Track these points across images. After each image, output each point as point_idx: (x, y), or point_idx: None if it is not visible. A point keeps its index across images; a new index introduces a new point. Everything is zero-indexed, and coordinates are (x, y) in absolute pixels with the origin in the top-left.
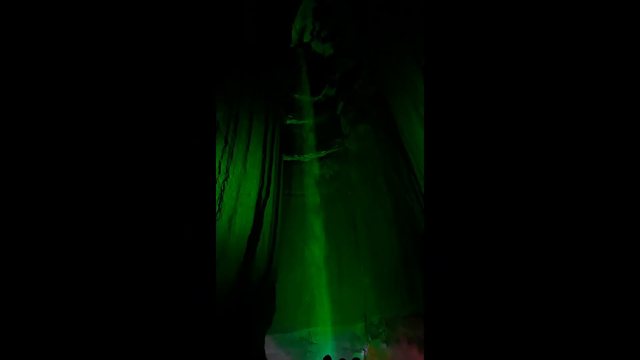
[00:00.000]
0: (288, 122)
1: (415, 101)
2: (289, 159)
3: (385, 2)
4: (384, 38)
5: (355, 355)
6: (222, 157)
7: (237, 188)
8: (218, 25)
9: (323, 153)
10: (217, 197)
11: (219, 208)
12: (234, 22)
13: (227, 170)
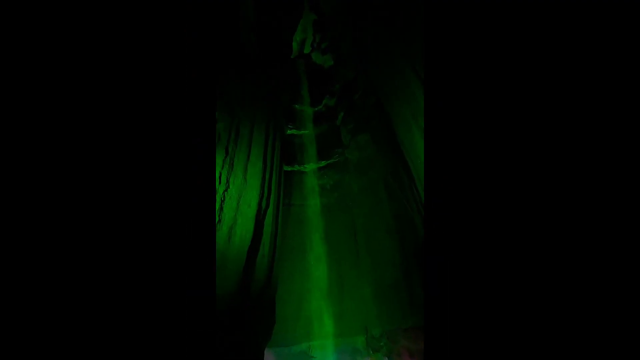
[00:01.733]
0: (288, 132)
1: (415, 111)
2: (290, 169)
3: (384, 11)
4: (384, 49)
5: None
6: (222, 168)
7: (237, 199)
8: (219, 35)
9: (323, 163)
10: (217, 208)
11: (219, 219)
12: (235, 32)
13: (227, 181)
